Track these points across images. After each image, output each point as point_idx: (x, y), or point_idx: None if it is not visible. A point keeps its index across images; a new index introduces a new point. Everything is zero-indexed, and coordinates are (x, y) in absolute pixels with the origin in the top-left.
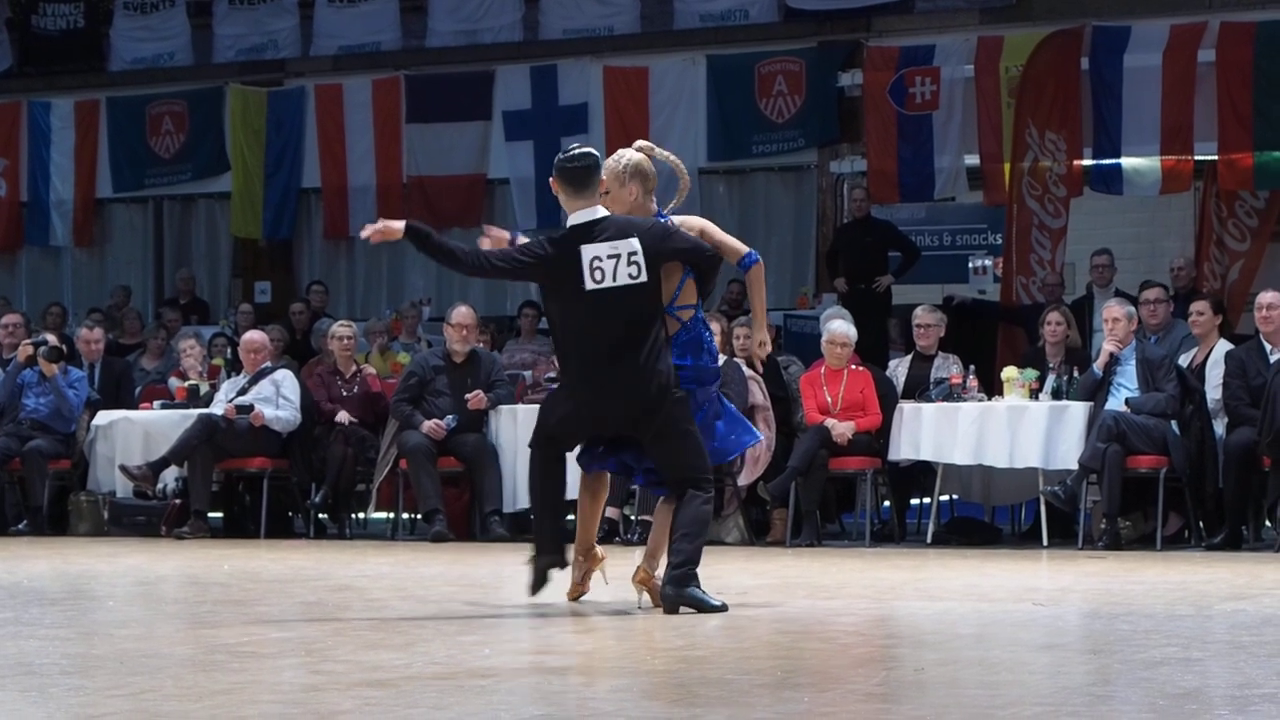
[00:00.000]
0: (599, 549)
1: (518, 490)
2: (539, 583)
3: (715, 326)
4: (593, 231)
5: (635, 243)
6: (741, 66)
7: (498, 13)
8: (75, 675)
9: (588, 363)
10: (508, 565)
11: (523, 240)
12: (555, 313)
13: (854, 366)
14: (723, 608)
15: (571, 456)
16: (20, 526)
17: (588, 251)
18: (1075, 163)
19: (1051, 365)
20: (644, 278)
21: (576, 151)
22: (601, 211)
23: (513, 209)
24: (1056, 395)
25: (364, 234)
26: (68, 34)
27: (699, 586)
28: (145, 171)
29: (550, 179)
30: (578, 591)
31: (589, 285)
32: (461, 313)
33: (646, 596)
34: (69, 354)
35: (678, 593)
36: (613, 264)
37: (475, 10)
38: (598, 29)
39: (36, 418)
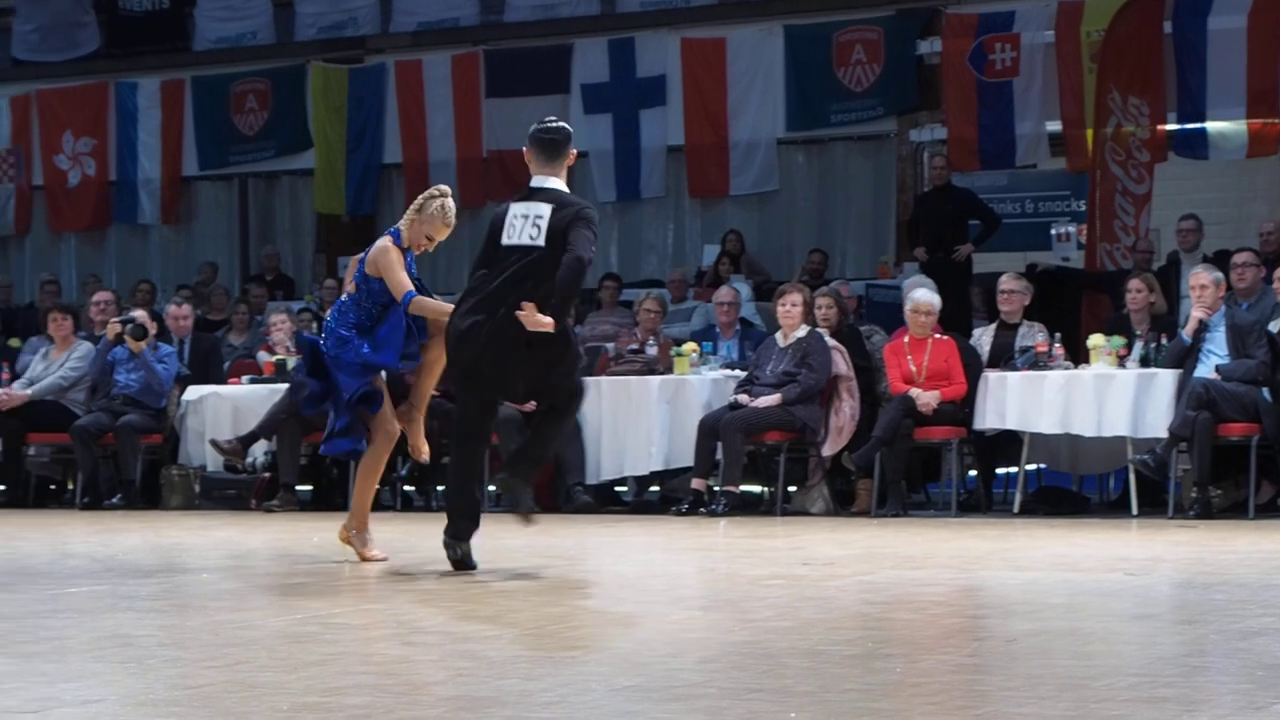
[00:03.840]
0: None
1: (601, 462)
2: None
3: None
4: (528, 194)
5: (545, 209)
6: (819, 35)
7: None
8: (171, 647)
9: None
10: (593, 537)
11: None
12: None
13: (938, 335)
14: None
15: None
16: (114, 501)
17: (514, 209)
18: (1159, 127)
19: (1139, 332)
20: (540, 241)
21: (553, 124)
22: (553, 182)
23: (591, 182)
24: (1144, 363)
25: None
26: (153, 15)
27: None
28: (230, 149)
29: (524, 147)
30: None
31: (503, 240)
32: None
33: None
34: (158, 330)
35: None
36: (522, 224)
37: None
38: (675, 1)
39: (128, 393)
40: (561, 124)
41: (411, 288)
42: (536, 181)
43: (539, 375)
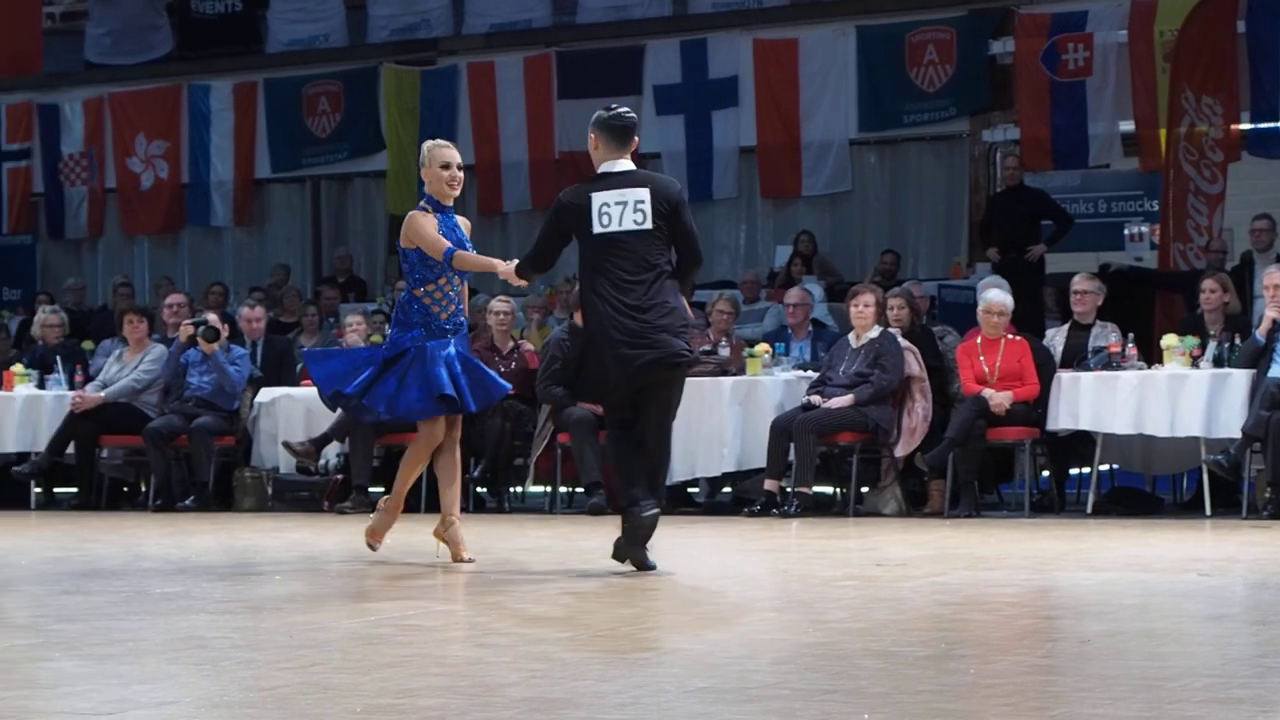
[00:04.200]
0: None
1: (674, 462)
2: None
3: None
4: (608, 181)
5: (645, 192)
6: (891, 36)
7: None
8: (245, 649)
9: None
10: (665, 538)
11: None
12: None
13: (1010, 336)
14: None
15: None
16: (186, 503)
17: (599, 198)
18: (1232, 127)
19: (1212, 332)
20: (648, 225)
21: (621, 110)
22: (628, 164)
23: None
24: (1218, 363)
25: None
26: (225, 17)
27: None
28: (302, 151)
29: (590, 134)
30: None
31: (596, 229)
32: None
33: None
34: (230, 332)
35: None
36: (620, 209)
37: None
38: (747, 2)
39: (201, 395)
40: (629, 109)
41: (449, 244)
42: (611, 166)
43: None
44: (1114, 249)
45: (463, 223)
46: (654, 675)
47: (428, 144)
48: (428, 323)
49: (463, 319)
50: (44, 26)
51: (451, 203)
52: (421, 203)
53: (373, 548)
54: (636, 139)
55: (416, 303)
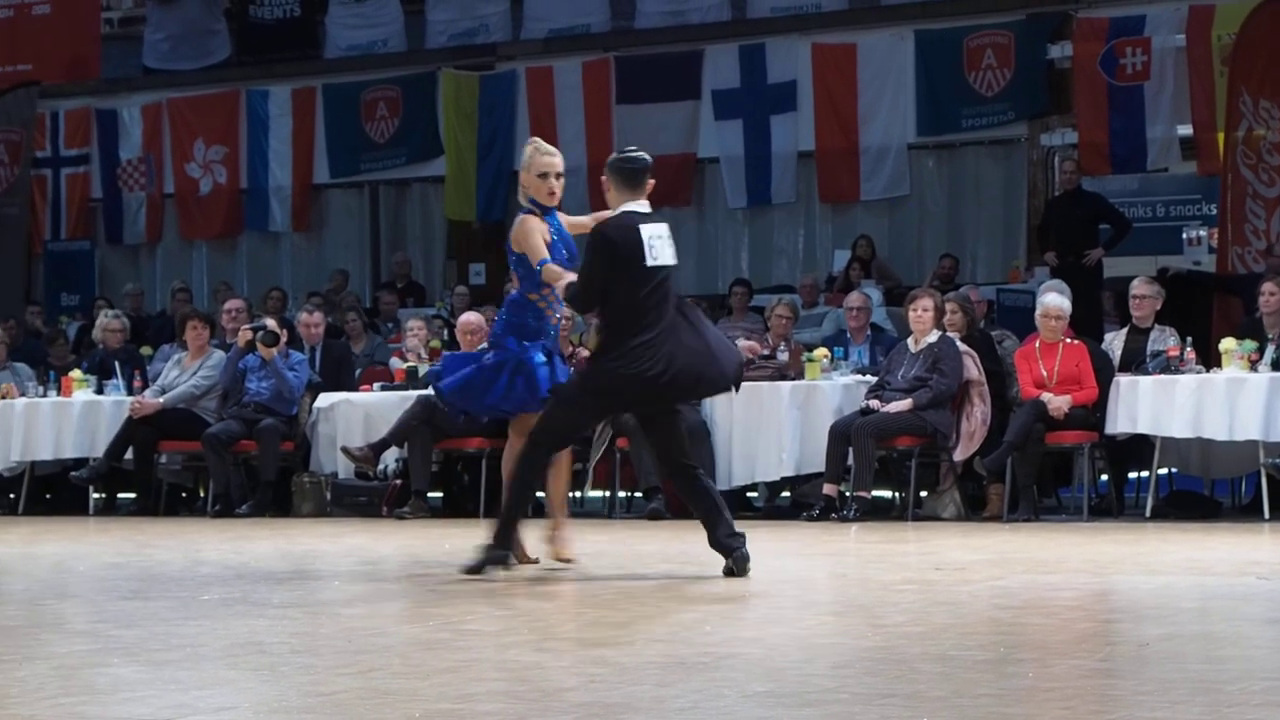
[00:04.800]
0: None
1: (732, 467)
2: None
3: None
4: (645, 217)
5: (667, 229)
6: (949, 40)
7: None
8: (304, 654)
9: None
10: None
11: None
12: (619, 291)
13: (1069, 340)
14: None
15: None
16: (242, 509)
17: (648, 230)
18: None
19: (1270, 336)
20: (674, 260)
21: (632, 152)
22: (645, 206)
23: (722, 187)
24: (1276, 366)
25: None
26: (284, 23)
27: None
28: (360, 156)
29: (602, 177)
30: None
31: (649, 262)
32: None
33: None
34: (289, 338)
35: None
36: (660, 244)
37: None
38: (806, 6)
39: (259, 401)
40: (639, 151)
41: (546, 255)
42: (638, 206)
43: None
44: (1172, 253)
45: (564, 219)
46: (713, 680)
47: (529, 147)
48: (541, 326)
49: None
50: (103, 32)
51: (555, 204)
52: (526, 204)
53: (569, 561)
54: (652, 180)
55: (531, 307)
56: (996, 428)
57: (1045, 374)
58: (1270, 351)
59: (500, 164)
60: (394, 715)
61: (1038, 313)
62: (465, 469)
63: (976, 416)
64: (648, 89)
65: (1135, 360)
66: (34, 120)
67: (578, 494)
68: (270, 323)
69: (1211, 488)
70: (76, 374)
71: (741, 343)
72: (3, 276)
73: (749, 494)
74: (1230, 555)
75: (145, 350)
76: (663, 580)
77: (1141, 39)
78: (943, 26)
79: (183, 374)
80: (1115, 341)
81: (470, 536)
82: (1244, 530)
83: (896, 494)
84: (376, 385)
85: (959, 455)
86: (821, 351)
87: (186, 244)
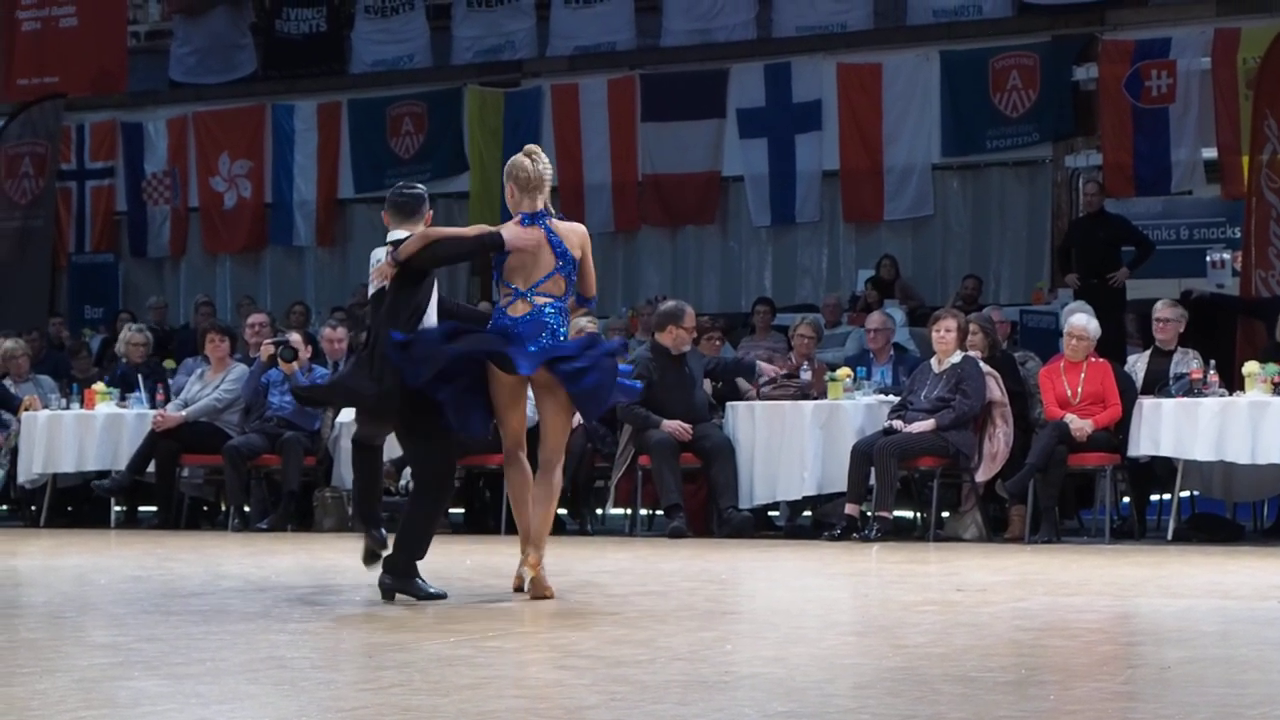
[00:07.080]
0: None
1: (754, 486)
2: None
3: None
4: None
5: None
6: (975, 61)
7: (731, 11)
8: (325, 669)
9: None
10: (745, 561)
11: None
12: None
13: (1093, 359)
14: (440, 595)
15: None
16: (261, 525)
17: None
18: None
19: None
20: None
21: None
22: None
23: (746, 206)
24: None
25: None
26: (310, 38)
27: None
28: (385, 172)
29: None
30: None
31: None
32: (691, 313)
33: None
34: (312, 353)
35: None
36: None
37: (709, 9)
38: (831, 26)
39: (282, 415)
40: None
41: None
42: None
43: None
44: (1196, 275)
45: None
46: (734, 699)
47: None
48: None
49: None
50: (129, 45)
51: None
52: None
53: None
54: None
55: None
56: (1019, 449)
57: (1070, 393)
58: None
59: None
60: None
61: (1064, 331)
62: (487, 485)
63: (999, 438)
64: (673, 107)
65: (1158, 383)
66: (60, 133)
67: (600, 511)
68: (294, 338)
69: (1234, 511)
70: (100, 386)
71: (762, 364)
72: (27, 289)
73: (771, 513)
74: (1252, 579)
75: (169, 363)
76: (684, 599)
77: (1167, 62)
78: (968, 47)
79: (205, 388)
80: (1138, 364)
81: (491, 552)
82: (1266, 554)
83: (918, 514)
84: None
85: (981, 476)
86: (844, 371)
87: (210, 258)
